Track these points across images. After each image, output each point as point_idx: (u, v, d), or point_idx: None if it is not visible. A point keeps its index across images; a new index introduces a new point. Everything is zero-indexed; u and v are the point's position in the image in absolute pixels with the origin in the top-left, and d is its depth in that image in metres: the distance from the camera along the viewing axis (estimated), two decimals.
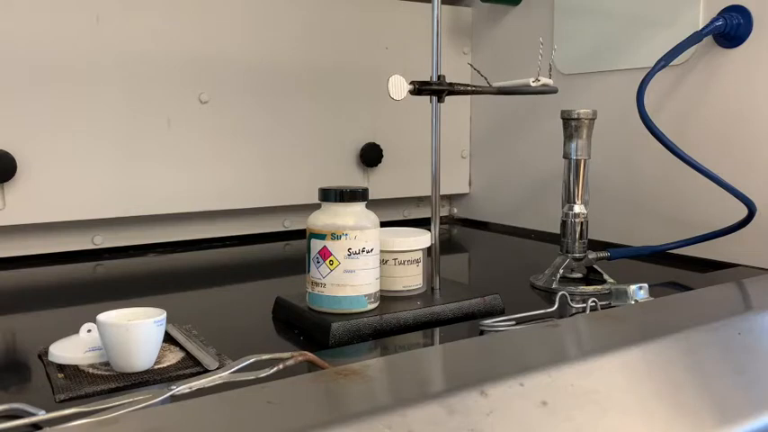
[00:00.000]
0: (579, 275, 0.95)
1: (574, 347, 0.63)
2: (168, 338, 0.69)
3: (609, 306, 0.78)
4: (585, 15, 1.26)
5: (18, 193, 1.09)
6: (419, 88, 0.78)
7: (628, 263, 1.04)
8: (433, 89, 0.80)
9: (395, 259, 0.80)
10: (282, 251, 1.31)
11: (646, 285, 0.79)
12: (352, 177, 1.40)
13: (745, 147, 1.03)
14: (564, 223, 0.96)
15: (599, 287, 0.90)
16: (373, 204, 0.77)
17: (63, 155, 1.11)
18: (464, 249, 1.41)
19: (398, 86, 0.77)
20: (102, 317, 0.62)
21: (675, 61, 1.06)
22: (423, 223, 0.93)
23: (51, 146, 1.10)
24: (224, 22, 1.24)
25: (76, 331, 0.67)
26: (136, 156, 1.17)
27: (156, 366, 0.62)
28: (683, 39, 1.03)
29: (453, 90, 0.81)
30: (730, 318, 0.68)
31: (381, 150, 1.41)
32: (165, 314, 0.63)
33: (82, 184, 1.13)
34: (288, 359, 0.57)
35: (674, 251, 1.04)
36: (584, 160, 0.94)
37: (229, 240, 1.32)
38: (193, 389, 0.53)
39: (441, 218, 0.87)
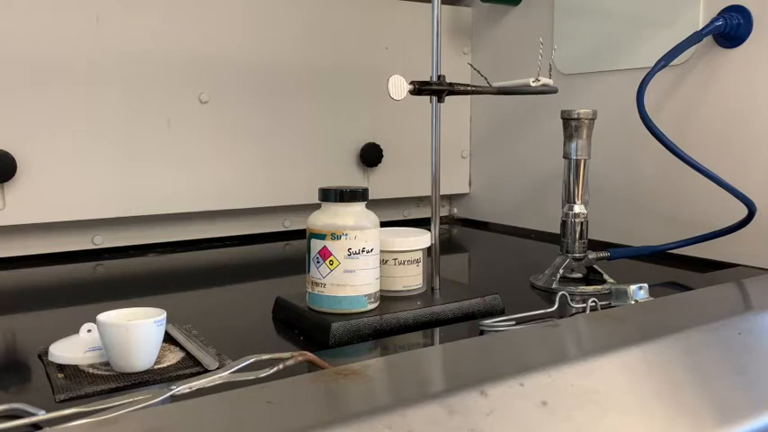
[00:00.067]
0: (579, 275, 0.95)
1: (574, 347, 0.63)
2: (168, 338, 0.69)
3: (609, 306, 0.78)
4: (585, 15, 1.26)
5: (18, 193, 1.09)
6: (419, 88, 0.78)
7: (628, 263, 1.04)
8: (433, 89, 0.80)
9: (395, 259, 0.80)
10: (282, 251, 1.31)
11: (646, 285, 0.79)
12: (352, 177, 1.40)
13: (745, 147, 1.03)
14: (564, 223, 0.96)
15: (599, 287, 0.90)
16: (373, 204, 0.77)
17: (63, 155, 1.11)
18: (464, 249, 1.41)
19: (398, 86, 0.77)
20: (102, 317, 0.62)
21: (675, 61, 1.06)
22: (423, 223, 0.93)
23: (51, 146, 1.10)
24: (224, 22, 1.24)
25: (76, 331, 0.67)
26: (136, 156, 1.17)
27: (156, 366, 0.62)
28: (683, 39, 1.03)
29: (453, 90, 0.81)
30: (730, 318, 0.68)
31: (381, 150, 1.41)
32: (165, 314, 0.63)
33: (82, 184, 1.13)
34: (288, 359, 0.57)
35: (674, 251, 1.04)
36: (584, 160, 0.94)
37: (229, 240, 1.32)
38: (193, 389, 0.53)
39: (441, 218, 0.87)
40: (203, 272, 1.17)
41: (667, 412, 0.54)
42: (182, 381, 0.53)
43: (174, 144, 1.21)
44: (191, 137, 1.22)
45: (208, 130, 1.24)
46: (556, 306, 0.77)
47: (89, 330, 0.67)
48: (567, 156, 0.95)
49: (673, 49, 1.03)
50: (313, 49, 1.33)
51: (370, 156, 1.40)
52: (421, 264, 0.82)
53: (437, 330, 0.76)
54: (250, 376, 0.55)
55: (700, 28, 1.04)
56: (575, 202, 0.95)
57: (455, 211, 1.61)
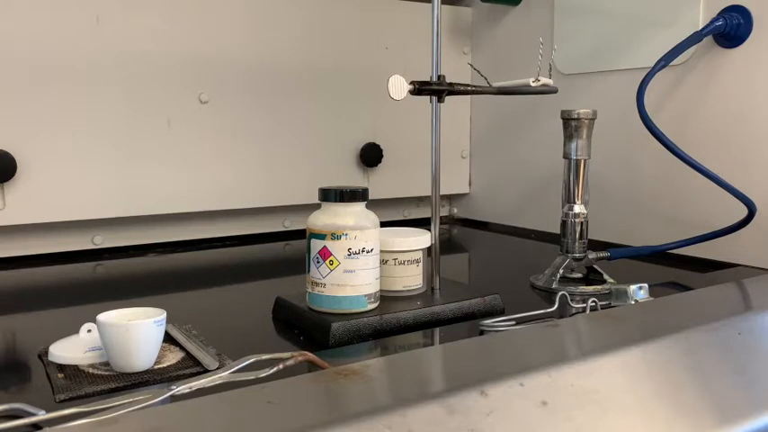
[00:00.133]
0: (579, 275, 0.95)
1: (574, 347, 0.63)
2: (168, 338, 0.69)
3: (609, 306, 0.78)
4: (585, 15, 1.26)
5: (18, 193, 1.09)
6: (419, 88, 0.78)
7: (628, 263, 1.04)
8: (433, 89, 0.80)
9: (395, 259, 0.80)
10: (282, 251, 1.31)
11: (646, 285, 0.79)
12: (352, 177, 1.40)
13: (745, 147, 1.03)
14: (564, 223, 0.96)
15: (599, 287, 0.90)
16: (373, 204, 0.77)
17: (63, 155, 1.11)
18: (464, 249, 1.41)
19: (398, 86, 0.77)
20: (102, 317, 0.62)
21: (675, 61, 1.06)
22: (423, 223, 0.93)
23: (51, 146, 1.10)
24: (224, 22, 1.24)
25: (76, 331, 0.67)
26: (136, 156, 1.17)
27: (156, 366, 0.62)
28: (683, 39, 1.03)
29: (453, 90, 0.81)
30: (730, 318, 0.68)
31: (381, 150, 1.41)
32: (165, 314, 0.63)
33: (82, 184, 1.13)
34: (288, 359, 0.57)
35: (674, 251, 1.04)
36: (584, 160, 0.94)
37: (229, 240, 1.32)
38: (193, 389, 0.53)
39: (441, 218, 0.87)
40: (203, 272, 1.17)
41: (667, 412, 0.54)
42: (182, 381, 0.53)
43: (174, 144, 1.21)
44: (191, 137, 1.22)
45: (208, 130, 1.24)
46: (556, 306, 0.77)
47: (89, 330, 0.67)
48: (567, 156, 0.95)
49: (673, 49, 1.03)
50: (313, 49, 1.33)
51: (370, 156, 1.40)
52: (421, 264, 0.82)
53: (437, 330, 0.76)
54: (250, 376, 0.55)
55: (700, 28, 1.04)
56: (575, 202, 0.95)
57: (455, 211, 1.61)
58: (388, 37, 1.41)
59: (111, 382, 0.59)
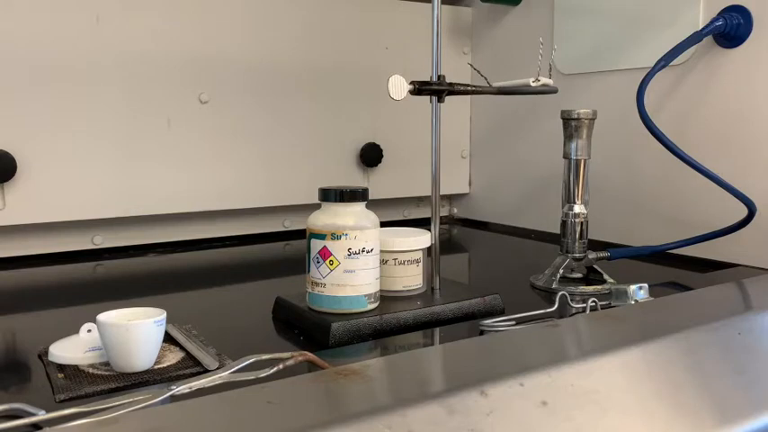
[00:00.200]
0: (579, 275, 0.95)
1: (574, 347, 0.63)
2: (168, 338, 0.69)
3: (609, 306, 0.78)
4: (585, 15, 1.26)
5: (18, 193, 1.09)
6: (419, 88, 0.78)
7: (628, 263, 1.04)
8: (433, 89, 0.80)
9: (395, 259, 0.80)
10: (282, 251, 1.31)
11: (646, 285, 0.79)
12: (352, 177, 1.40)
13: (745, 147, 1.03)
14: (564, 223, 0.96)
15: (599, 287, 0.90)
16: (373, 204, 0.77)
17: (63, 155, 1.11)
18: (464, 249, 1.41)
19: (398, 86, 0.77)
20: (102, 317, 0.62)
21: (675, 61, 1.06)
22: (423, 223, 0.93)
23: (51, 146, 1.10)
24: (224, 22, 1.24)
25: (76, 331, 0.67)
26: (136, 156, 1.17)
27: (156, 366, 0.62)
28: (683, 39, 1.03)
29: (453, 90, 0.81)
30: (730, 318, 0.68)
31: (381, 150, 1.41)
32: (165, 314, 0.63)
33: (82, 184, 1.13)
34: (288, 359, 0.57)
35: (674, 251, 1.04)
36: (584, 160, 0.94)
37: (229, 240, 1.32)
38: (193, 389, 0.53)
39: (441, 218, 0.87)
40: (203, 272, 1.17)
41: (667, 412, 0.54)
42: (182, 381, 0.53)
43: (174, 144, 1.21)
44: (191, 137, 1.22)
45: (208, 130, 1.24)
46: (556, 306, 0.77)
47: (89, 330, 0.67)
48: (567, 156, 0.95)
49: (673, 49, 1.03)
50: (313, 49, 1.33)
51: (370, 156, 1.40)
52: (421, 264, 0.82)
53: (437, 330, 0.76)
54: (250, 376, 0.55)
55: (700, 28, 1.04)
56: (575, 202, 0.95)
57: (455, 211, 1.61)
58: (388, 37, 1.41)
59: (111, 382, 0.59)
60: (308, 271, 0.74)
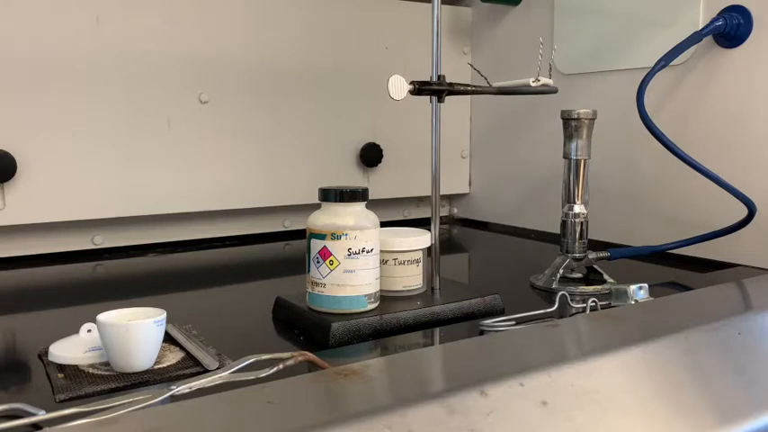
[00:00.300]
0: (579, 275, 0.95)
1: (574, 347, 0.63)
2: (168, 338, 0.69)
3: (609, 306, 0.78)
4: (585, 15, 1.26)
5: (18, 193, 1.09)
6: (419, 88, 0.78)
7: (628, 263, 1.04)
8: (433, 89, 0.80)
9: (395, 259, 0.80)
10: (282, 251, 1.31)
11: (646, 285, 0.79)
12: (352, 177, 1.40)
13: (745, 147, 1.03)
14: (564, 223, 0.96)
15: (599, 287, 0.90)
16: (373, 204, 0.77)
17: (63, 155, 1.11)
18: (464, 249, 1.41)
19: (398, 86, 0.77)
20: (102, 317, 0.62)
21: (675, 61, 1.06)
22: (423, 223, 0.93)
23: (51, 146, 1.10)
24: (224, 22, 1.24)
25: (76, 331, 0.67)
26: (136, 156, 1.17)
27: (156, 366, 0.62)
28: (683, 39, 1.03)
29: (453, 90, 0.81)
30: (730, 318, 0.68)
31: (381, 150, 1.41)
32: (165, 314, 0.63)
33: (82, 184, 1.13)
34: (288, 359, 0.57)
35: (674, 251, 1.04)
36: (584, 160, 0.94)
37: (229, 240, 1.32)
38: (193, 389, 0.53)
39: (441, 218, 0.87)
40: (203, 272, 1.17)
41: (667, 412, 0.54)
42: (182, 381, 0.53)
43: (174, 144, 1.21)
44: (191, 137, 1.22)
45: (208, 130, 1.24)
46: (556, 306, 0.77)
47: (89, 330, 0.67)
48: (567, 156, 0.95)
49: (673, 49, 1.03)
50: (313, 49, 1.33)
51: (370, 156, 1.40)
52: (421, 264, 0.82)
53: (437, 330, 0.76)
54: (250, 376, 0.55)
55: (700, 28, 1.04)
56: (575, 202, 0.95)
57: (455, 211, 1.61)
58: (388, 37, 1.41)
59: (111, 382, 0.59)
60: (308, 271, 0.74)
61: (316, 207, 0.76)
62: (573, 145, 0.94)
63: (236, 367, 0.56)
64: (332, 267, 0.72)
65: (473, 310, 0.79)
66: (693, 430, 0.54)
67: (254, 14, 1.27)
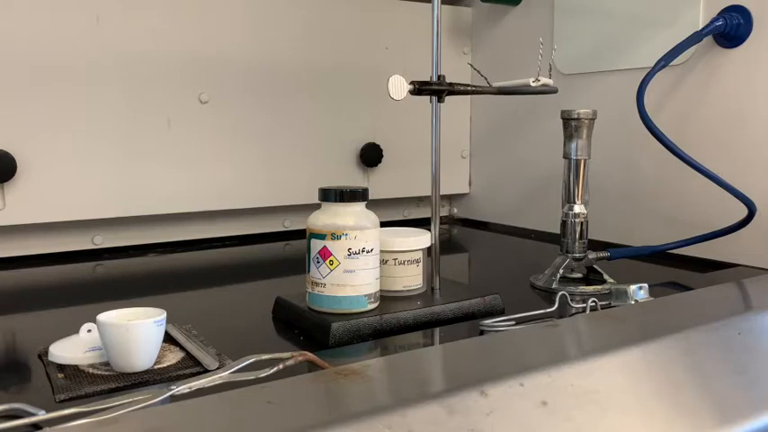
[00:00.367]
0: (579, 275, 0.95)
1: (574, 347, 0.63)
2: (168, 338, 0.69)
3: (609, 306, 0.78)
4: (585, 15, 1.26)
5: (18, 193, 1.09)
6: (419, 88, 0.78)
7: (628, 263, 1.04)
8: (433, 89, 0.80)
9: (395, 259, 0.80)
10: (282, 251, 1.31)
11: (646, 285, 0.79)
12: (352, 177, 1.40)
13: (745, 147, 1.03)
14: (564, 223, 0.96)
15: (599, 287, 0.90)
16: (373, 204, 0.77)
17: (63, 155, 1.11)
18: (464, 249, 1.41)
19: (398, 86, 0.77)
20: (102, 317, 0.62)
21: (675, 61, 1.06)
22: (423, 223, 0.93)
23: (51, 146, 1.10)
24: (224, 22, 1.24)
25: (76, 331, 0.67)
26: (136, 156, 1.17)
27: (156, 366, 0.62)
28: (683, 39, 1.03)
29: (453, 90, 0.81)
30: (730, 318, 0.68)
31: (381, 150, 1.41)
32: (165, 314, 0.63)
33: (82, 184, 1.13)
34: (288, 359, 0.57)
35: (674, 251, 1.04)
36: (584, 160, 0.94)
37: (229, 240, 1.32)
38: (193, 389, 0.53)
39: (441, 218, 0.87)
40: (203, 272, 1.17)
41: (667, 412, 0.54)
42: (182, 381, 0.53)
43: (174, 144, 1.21)
44: (191, 137, 1.22)
45: (208, 130, 1.24)
46: (556, 306, 0.77)
47: (89, 330, 0.67)
48: (567, 156, 0.95)
49: (673, 49, 1.03)
50: (313, 49, 1.33)
51: (370, 156, 1.40)
52: (421, 264, 0.82)
53: (437, 330, 0.76)
54: (250, 376, 0.55)
55: (700, 28, 1.04)
56: (575, 202, 0.95)
57: (455, 211, 1.61)
58: (388, 37, 1.41)
59: (111, 382, 0.59)
60: (308, 271, 0.74)
61: (316, 207, 0.76)
62: (573, 145, 0.94)
63: (236, 367, 0.56)
64: (332, 267, 0.72)
65: (473, 310, 0.80)
66: (693, 430, 0.54)
67: (254, 14, 1.27)
